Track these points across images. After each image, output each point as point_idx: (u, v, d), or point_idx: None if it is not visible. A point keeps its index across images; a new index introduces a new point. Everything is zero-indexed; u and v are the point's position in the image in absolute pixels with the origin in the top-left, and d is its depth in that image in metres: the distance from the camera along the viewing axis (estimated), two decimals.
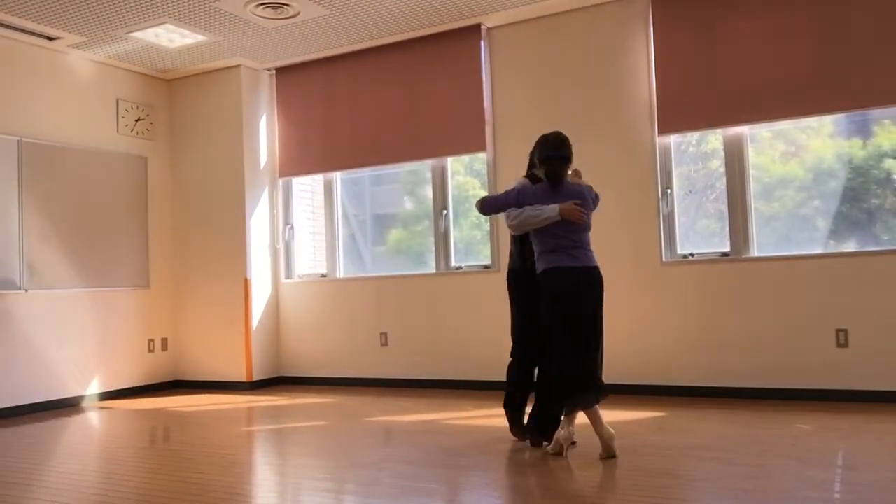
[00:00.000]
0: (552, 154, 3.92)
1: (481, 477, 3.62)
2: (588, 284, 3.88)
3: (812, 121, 5.32)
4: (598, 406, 3.78)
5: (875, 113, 5.14)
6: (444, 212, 6.48)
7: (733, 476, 3.40)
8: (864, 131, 5.24)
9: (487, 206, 4.16)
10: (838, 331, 5.02)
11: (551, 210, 3.84)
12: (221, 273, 6.98)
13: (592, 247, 4.00)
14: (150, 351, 7.01)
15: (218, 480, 3.66)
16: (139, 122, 7.03)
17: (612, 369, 5.63)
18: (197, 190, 7.18)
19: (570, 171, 4.02)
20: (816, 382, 5.06)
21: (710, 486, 3.29)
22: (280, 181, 7.25)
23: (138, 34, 6.06)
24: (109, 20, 5.75)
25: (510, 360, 4.24)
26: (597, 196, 4.09)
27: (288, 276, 7.22)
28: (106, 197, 6.64)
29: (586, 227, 3.94)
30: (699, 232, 5.65)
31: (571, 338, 3.80)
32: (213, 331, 7.02)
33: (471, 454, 4.02)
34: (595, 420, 3.75)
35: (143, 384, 6.90)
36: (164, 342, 7.16)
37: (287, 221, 7.25)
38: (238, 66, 6.95)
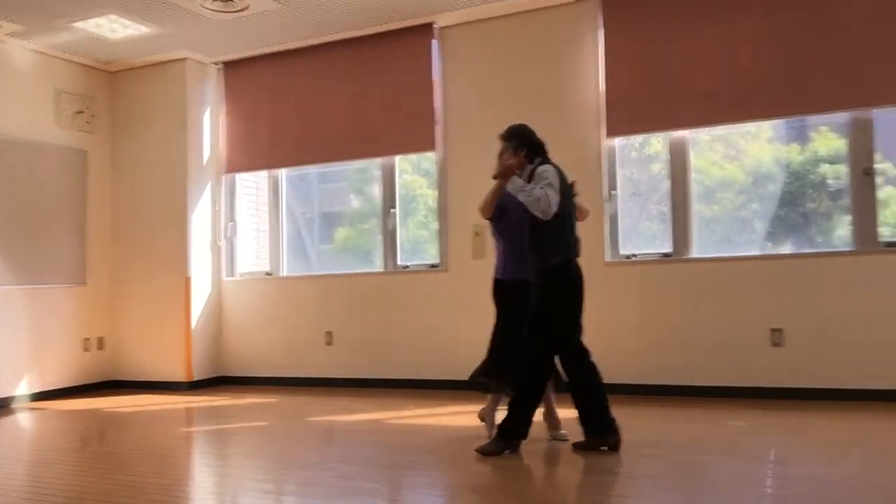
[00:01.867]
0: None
1: (423, 476, 3.61)
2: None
3: (752, 126, 5.46)
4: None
5: (812, 119, 5.29)
6: (392, 210, 6.45)
7: (672, 472, 3.46)
8: (801, 137, 5.40)
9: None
10: (773, 330, 5.15)
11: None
12: (161, 270, 6.81)
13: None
14: (86, 350, 6.81)
15: (154, 482, 3.57)
16: (79, 114, 6.82)
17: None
18: (138, 185, 7.00)
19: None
20: (752, 380, 5.18)
21: (650, 482, 3.33)
22: (224, 177, 7.11)
23: (80, 24, 5.88)
24: (50, 9, 5.57)
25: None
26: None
27: (230, 274, 7.09)
28: (43, 191, 6.43)
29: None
30: (642, 233, 5.74)
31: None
32: (152, 329, 6.84)
33: (413, 453, 4.00)
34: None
35: (78, 384, 6.69)
36: (101, 341, 6.95)
37: (230, 218, 7.12)
38: (184, 59, 6.80)
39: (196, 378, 6.72)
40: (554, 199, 3.70)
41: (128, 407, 5.92)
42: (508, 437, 3.76)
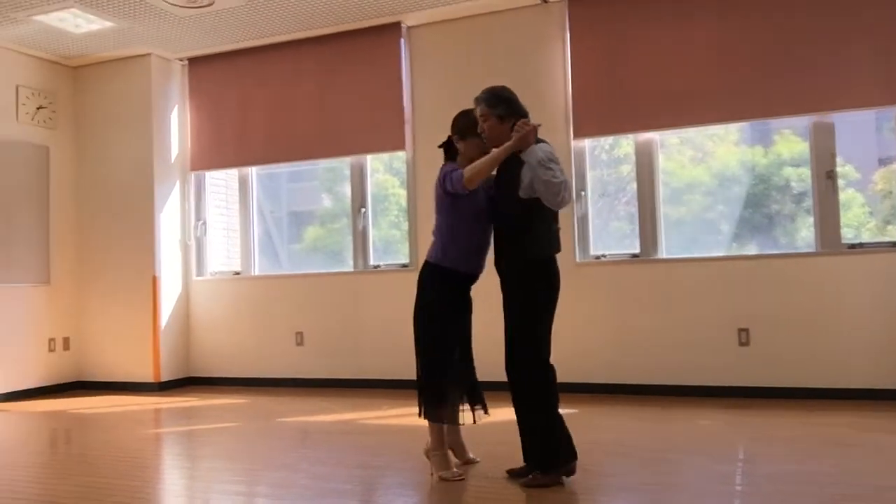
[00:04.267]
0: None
1: (396, 476, 3.61)
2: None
3: (718, 128, 5.56)
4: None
5: (775, 123, 5.40)
6: (363, 210, 6.43)
7: (642, 471, 3.51)
8: (765, 140, 5.51)
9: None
10: (740, 330, 5.25)
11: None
12: (128, 270, 6.71)
13: None
14: (51, 350, 6.68)
15: (122, 484, 3.52)
16: (41, 109, 6.68)
17: None
18: (103, 182, 6.88)
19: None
20: (720, 380, 5.27)
21: (620, 480, 3.38)
22: (192, 175, 7.03)
23: (41, 17, 5.75)
24: (8, 0, 5.45)
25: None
26: (446, 177, 3.35)
27: (199, 274, 7.01)
28: (3, 188, 6.28)
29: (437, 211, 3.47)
30: (611, 233, 5.80)
31: None
32: (119, 330, 6.74)
33: (386, 454, 4.00)
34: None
35: (43, 385, 6.56)
36: (66, 341, 6.82)
37: (199, 217, 7.04)
38: (148, 54, 6.70)
39: (164, 379, 6.64)
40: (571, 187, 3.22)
41: (95, 408, 5.83)
42: (554, 468, 3.20)
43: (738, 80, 5.29)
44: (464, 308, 3.49)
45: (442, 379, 3.36)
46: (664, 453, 3.80)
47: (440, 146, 3.62)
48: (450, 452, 3.47)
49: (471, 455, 3.61)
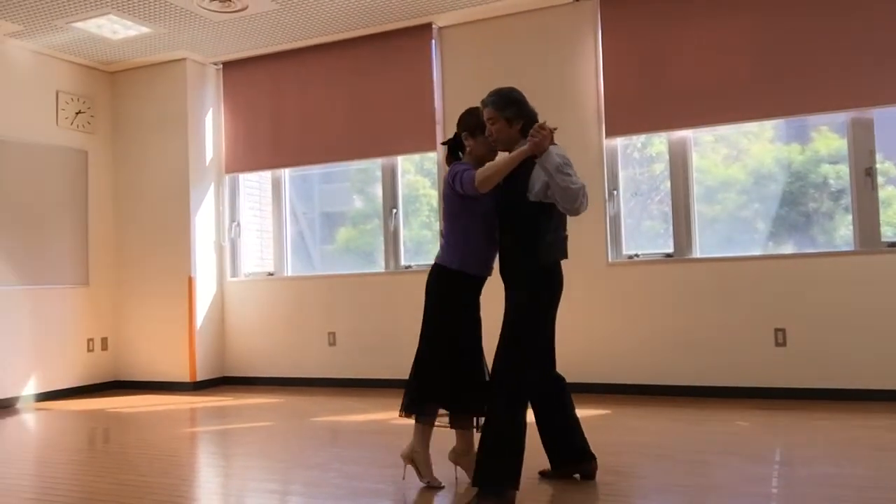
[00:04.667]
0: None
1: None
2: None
3: (753, 126, 5.47)
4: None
5: (812, 119, 5.31)
6: (394, 211, 6.46)
7: (676, 472, 3.47)
8: (802, 137, 5.41)
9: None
10: (777, 330, 5.17)
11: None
12: (165, 271, 6.82)
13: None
14: (90, 350, 6.81)
15: (159, 482, 3.58)
16: (80, 114, 6.83)
17: (558, 368, 5.70)
18: (140, 185, 7.01)
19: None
20: (756, 381, 5.20)
21: (655, 482, 3.35)
22: (226, 177, 7.12)
23: (80, 24, 5.88)
24: (49, 9, 5.57)
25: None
26: (455, 178, 3.24)
27: (234, 275, 7.10)
28: (44, 192, 6.43)
29: (447, 215, 3.38)
30: (644, 233, 5.75)
31: None
32: (156, 330, 6.85)
33: None
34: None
35: (82, 384, 6.70)
36: (105, 341, 6.96)
37: (233, 219, 7.13)
38: (184, 59, 6.81)
39: (200, 378, 6.74)
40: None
41: (132, 407, 5.93)
42: (492, 494, 2.95)
43: (774, 76, 5.21)
44: (471, 312, 3.37)
45: (428, 379, 3.31)
46: (699, 455, 3.76)
47: (444, 143, 3.53)
48: (430, 456, 3.36)
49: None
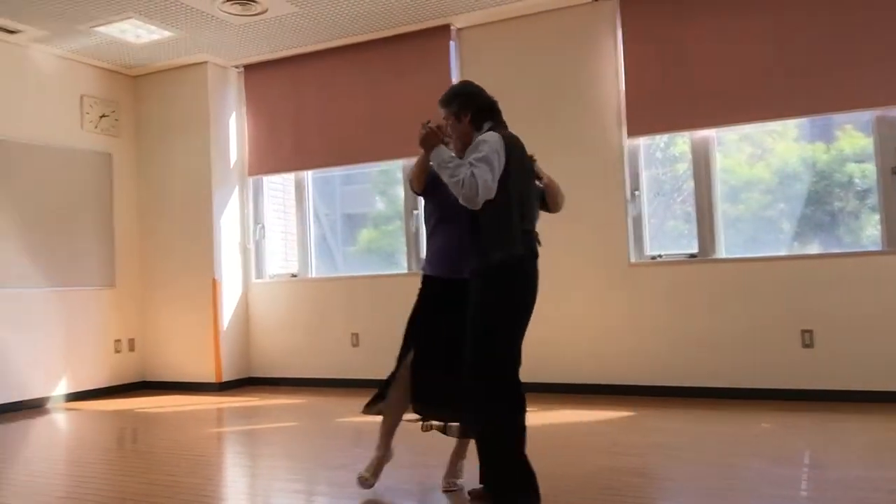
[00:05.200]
0: None
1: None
2: None
3: (777, 125, 5.43)
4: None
5: (837, 118, 5.25)
6: (415, 212, 6.47)
7: (703, 474, 3.45)
8: (827, 136, 5.36)
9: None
10: (804, 331, 5.12)
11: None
12: (190, 273, 6.89)
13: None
14: (118, 351, 6.90)
15: (186, 482, 3.62)
16: (104, 118, 6.91)
17: (582, 369, 5.70)
18: (164, 188, 7.08)
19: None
20: (783, 382, 5.15)
21: (681, 484, 3.34)
22: (250, 180, 7.18)
23: (103, 29, 5.95)
24: (72, 14, 5.64)
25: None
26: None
27: (258, 276, 7.16)
28: (70, 194, 6.51)
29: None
30: (667, 233, 5.72)
31: None
32: (182, 331, 6.93)
33: (441, 454, 4.01)
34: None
35: (110, 385, 6.79)
36: (132, 342, 7.04)
37: (258, 221, 7.18)
38: (205, 62, 6.87)
39: (225, 379, 6.80)
40: (484, 180, 2.75)
41: (159, 407, 6.00)
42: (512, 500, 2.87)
43: (799, 75, 5.16)
44: (434, 312, 3.32)
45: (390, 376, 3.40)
46: (725, 457, 3.74)
47: None
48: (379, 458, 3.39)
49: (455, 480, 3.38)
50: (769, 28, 5.26)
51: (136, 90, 7.23)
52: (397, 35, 6.39)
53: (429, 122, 3.06)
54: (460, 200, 2.82)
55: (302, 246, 7.03)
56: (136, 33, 6.09)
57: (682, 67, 5.50)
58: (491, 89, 3.18)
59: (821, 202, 5.33)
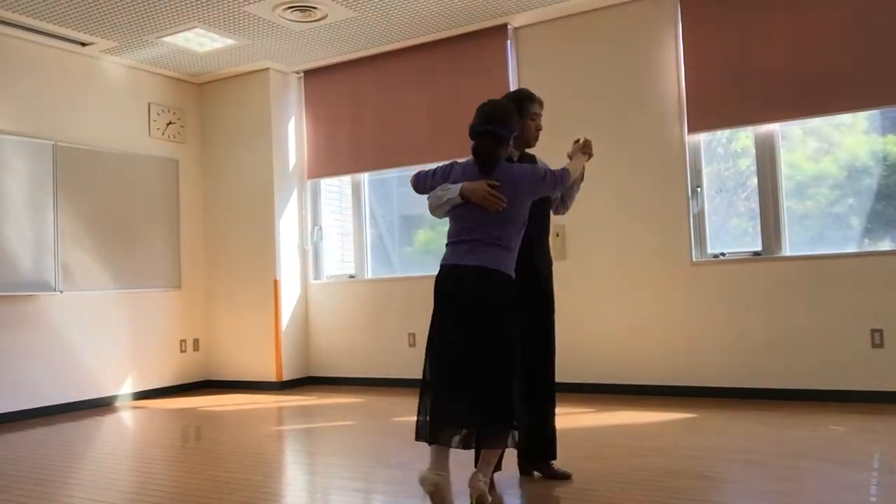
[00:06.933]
0: (476, 128, 3.15)
1: (510, 475, 3.60)
2: (460, 285, 3.12)
3: (846, 117, 5.24)
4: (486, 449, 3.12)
5: None
6: None
7: (767, 478, 3.35)
8: None
9: (417, 185, 3.42)
10: (873, 331, 4.93)
11: (454, 190, 3.12)
12: (251, 274, 7.05)
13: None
14: (182, 351, 7.10)
15: (248, 479, 3.70)
16: (170, 125, 7.12)
17: (644, 370, 5.60)
18: (227, 192, 7.26)
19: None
20: (851, 383, 4.97)
21: (744, 488, 3.25)
22: (308, 182, 7.30)
23: (169, 39, 6.14)
24: (140, 25, 5.84)
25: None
26: (551, 175, 3.21)
27: (317, 277, 7.27)
28: (138, 199, 6.73)
29: (504, 219, 3.09)
30: (730, 231, 5.58)
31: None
32: (244, 331, 7.09)
33: (506, 456, 3.99)
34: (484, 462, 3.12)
35: (175, 384, 6.99)
36: (196, 342, 7.24)
37: (315, 223, 7.30)
38: (267, 69, 7.01)
39: (285, 378, 6.92)
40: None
41: (222, 406, 6.15)
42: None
43: (869, 65, 4.96)
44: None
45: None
46: (791, 460, 3.62)
47: (477, 150, 3.16)
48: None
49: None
50: (837, 18, 5.08)
51: (200, 97, 7.43)
52: (454, 36, 6.40)
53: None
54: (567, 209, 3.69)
55: (359, 247, 7.11)
56: (200, 42, 6.26)
57: (745, 60, 5.36)
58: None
59: (892, 197, 5.12)
